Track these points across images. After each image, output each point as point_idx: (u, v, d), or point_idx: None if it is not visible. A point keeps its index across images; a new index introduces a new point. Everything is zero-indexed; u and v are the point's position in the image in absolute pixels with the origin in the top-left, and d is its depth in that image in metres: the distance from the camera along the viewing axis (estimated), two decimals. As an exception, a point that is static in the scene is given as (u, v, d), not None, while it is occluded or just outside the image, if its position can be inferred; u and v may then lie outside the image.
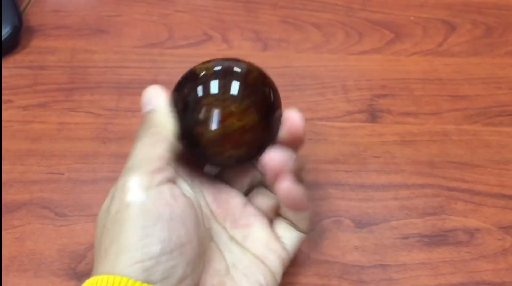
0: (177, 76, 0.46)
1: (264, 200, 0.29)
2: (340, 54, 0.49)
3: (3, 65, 0.45)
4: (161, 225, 0.22)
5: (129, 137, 0.39)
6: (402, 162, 0.38)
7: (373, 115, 0.42)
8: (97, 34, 0.49)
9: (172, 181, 0.24)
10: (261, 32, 0.51)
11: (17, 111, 0.41)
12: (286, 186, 0.25)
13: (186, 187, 0.27)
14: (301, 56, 0.48)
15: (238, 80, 0.26)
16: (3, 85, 0.43)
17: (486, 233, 0.34)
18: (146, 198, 0.22)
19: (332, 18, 0.53)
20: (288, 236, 0.28)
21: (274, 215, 0.29)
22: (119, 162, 0.37)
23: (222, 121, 0.25)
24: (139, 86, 0.43)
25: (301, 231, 0.29)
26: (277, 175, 0.25)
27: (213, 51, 0.48)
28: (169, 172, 0.24)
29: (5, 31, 0.45)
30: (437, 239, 0.33)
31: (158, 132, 0.25)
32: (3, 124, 0.39)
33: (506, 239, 0.33)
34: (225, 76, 0.26)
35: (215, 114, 0.25)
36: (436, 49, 0.50)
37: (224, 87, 0.26)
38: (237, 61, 0.27)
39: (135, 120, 0.40)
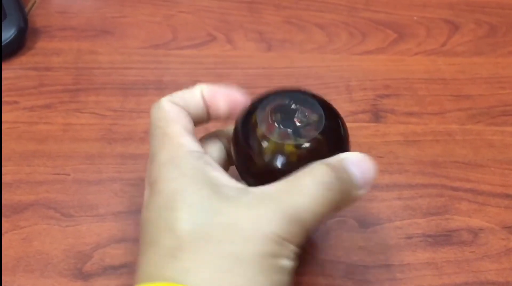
0: (182, 77, 0.47)
1: None
2: (344, 54, 0.49)
3: (9, 67, 0.45)
4: None
5: (134, 138, 0.39)
6: (406, 162, 0.38)
7: (377, 115, 0.42)
8: (102, 35, 0.49)
9: None
10: (265, 33, 0.51)
11: (22, 112, 0.41)
12: None
13: None
14: (305, 56, 0.48)
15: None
16: (9, 86, 0.43)
17: (490, 233, 0.34)
18: None
19: (336, 18, 0.53)
20: None
21: None
22: (125, 162, 0.37)
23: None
24: (144, 87, 0.44)
25: None
26: None
27: (217, 51, 0.48)
28: None
29: (11, 33, 0.45)
30: (441, 239, 0.33)
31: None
32: (9, 125, 0.40)
33: (510, 239, 0.33)
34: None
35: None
36: (439, 49, 0.50)
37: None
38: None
39: (140, 120, 0.41)
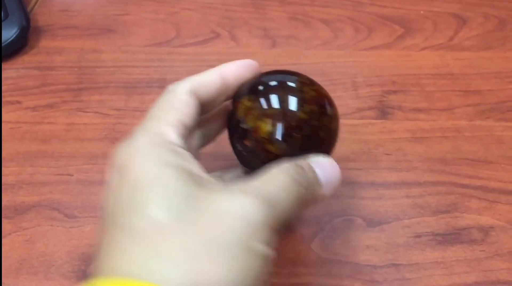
0: (186, 75, 0.46)
1: None
2: (350, 50, 0.48)
3: (11, 66, 0.45)
4: None
5: (138, 137, 0.39)
6: (414, 159, 0.38)
7: (384, 112, 0.41)
8: (105, 33, 0.49)
9: None
10: (270, 29, 0.50)
11: (25, 112, 0.41)
12: None
13: None
14: (310, 52, 0.48)
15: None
16: (11, 86, 0.43)
17: (500, 231, 0.33)
18: None
19: (341, 14, 0.53)
20: None
21: None
22: (128, 162, 0.37)
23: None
24: (148, 86, 0.43)
25: None
26: None
27: (221, 49, 0.48)
28: None
29: (13, 32, 0.45)
30: (451, 237, 0.33)
31: None
32: (12, 125, 0.39)
33: (521, 237, 0.33)
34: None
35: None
36: (447, 44, 0.49)
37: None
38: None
39: (144, 119, 0.40)
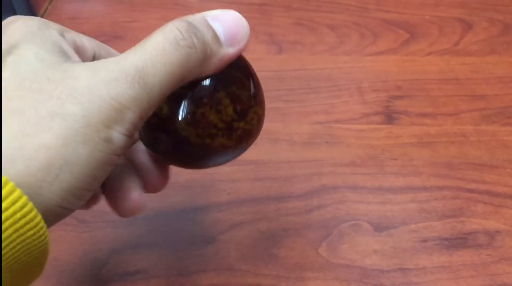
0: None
1: None
2: (355, 55, 0.48)
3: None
4: None
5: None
6: (420, 164, 0.38)
7: (390, 117, 0.42)
8: (113, 40, 0.50)
9: None
10: (276, 35, 0.51)
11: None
12: None
13: None
14: (316, 58, 0.48)
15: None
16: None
17: (506, 235, 0.33)
18: None
19: (346, 19, 0.53)
20: None
21: None
22: (138, 168, 0.37)
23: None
24: (156, 92, 0.44)
25: None
26: None
27: (228, 55, 0.48)
28: None
29: (24, 40, 0.46)
30: (457, 242, 0.33)
31: None
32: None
33: (527, 241, 0.33)
34: None
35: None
36: (452, 49, 0.49)
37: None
38: None
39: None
